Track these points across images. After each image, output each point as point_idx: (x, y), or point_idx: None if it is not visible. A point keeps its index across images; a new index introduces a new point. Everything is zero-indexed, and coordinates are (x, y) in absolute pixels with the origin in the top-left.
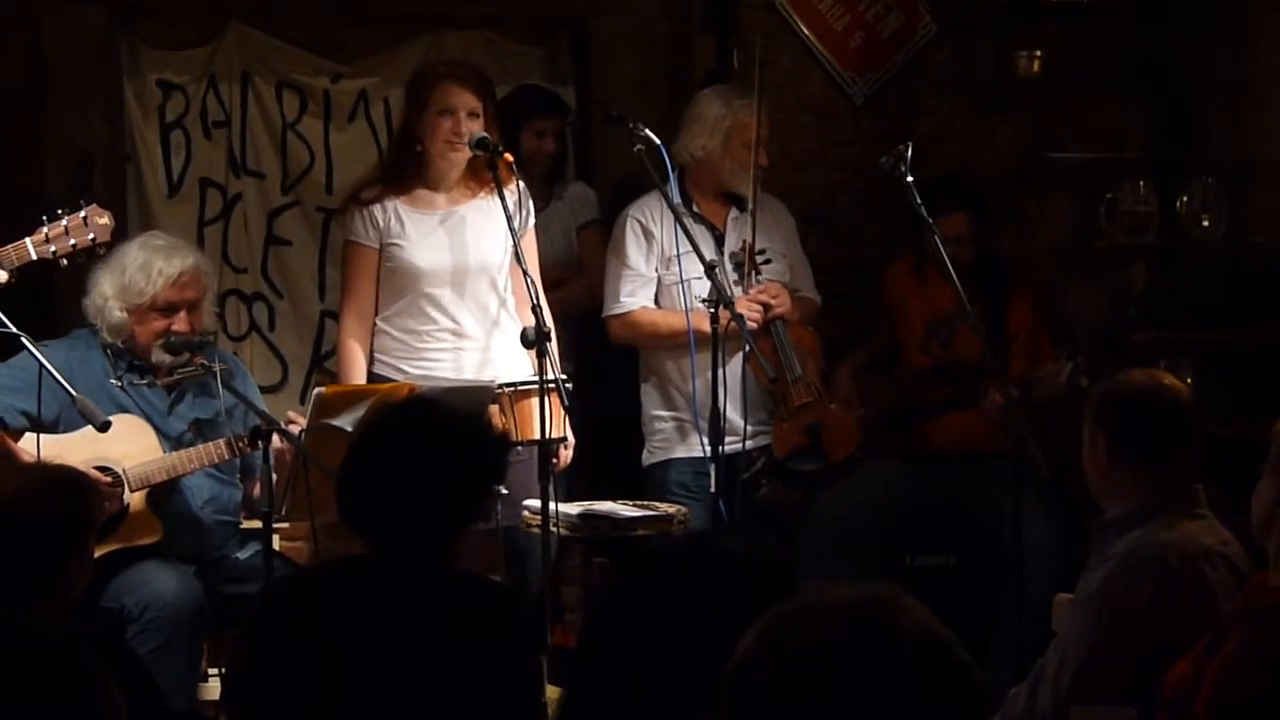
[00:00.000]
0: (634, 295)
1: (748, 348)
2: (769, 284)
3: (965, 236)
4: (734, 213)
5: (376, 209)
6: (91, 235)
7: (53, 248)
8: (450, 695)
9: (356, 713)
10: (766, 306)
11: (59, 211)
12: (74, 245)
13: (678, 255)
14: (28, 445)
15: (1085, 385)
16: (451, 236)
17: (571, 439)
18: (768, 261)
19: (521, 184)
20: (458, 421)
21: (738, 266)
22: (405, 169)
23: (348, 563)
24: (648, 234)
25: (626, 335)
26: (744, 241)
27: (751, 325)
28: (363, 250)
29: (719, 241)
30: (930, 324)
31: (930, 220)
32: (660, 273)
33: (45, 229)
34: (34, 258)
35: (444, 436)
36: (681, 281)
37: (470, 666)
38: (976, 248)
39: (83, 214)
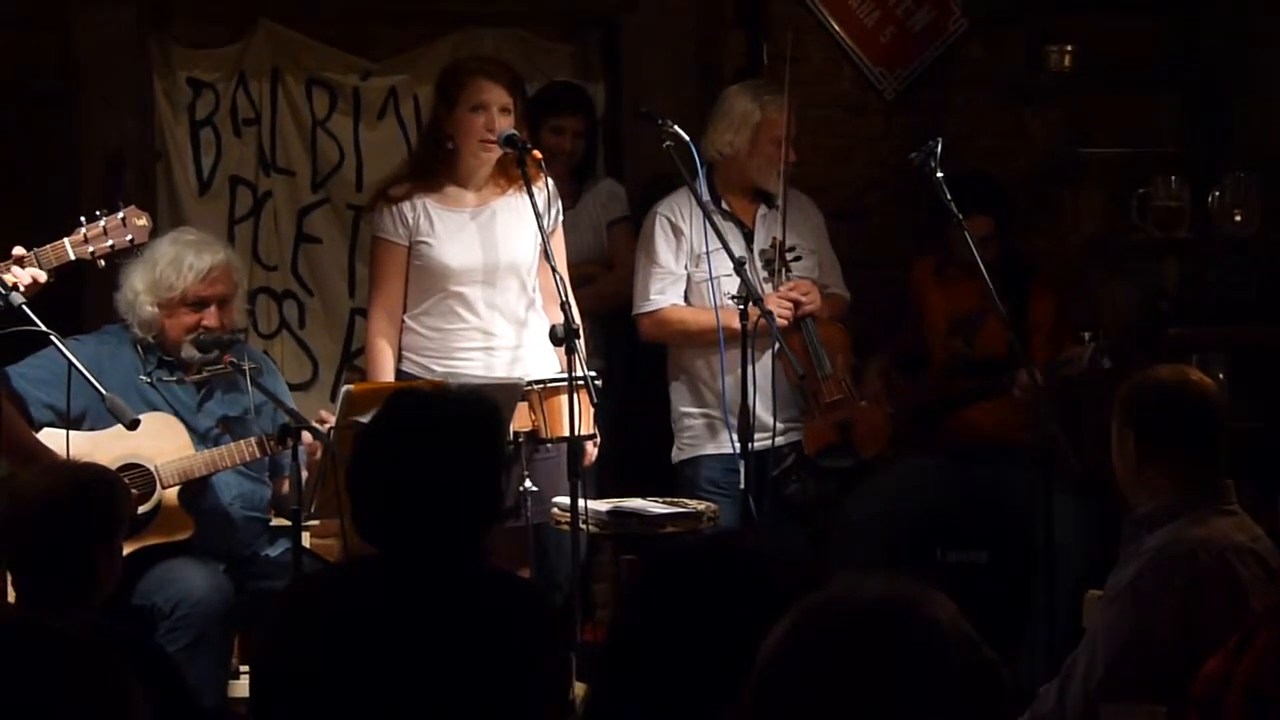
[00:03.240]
0: (664, 293)
1: (777, 345)
2: (799, 281)
3: (987, 239)
4: (763, 209)
5: (406, 206)
6: (129, 236)
7: (91, 248)
8: (478, 692)
9: (384, 710)
10: (797, 304)
11: (97, 213)
12: (112, 246)
13: (707, 252)
14: (57, 441)
15: (1107, 366)
16: (482, 234)
17: (597, 435)
18: (798, 258)
19: (550, 181)
20: (445, 417)
21: (767, 264)
22: (435, 166)
23: (375, 560)
24: (677, 231)
25: (656, 333)
26: (774, 238)
27: (782, 323)
28: (392, 247)
29: (748, 238)
30: (954, 320)
31: (960, 216)
32: (690, 270)
33: (84, 230)
34: (72, 258)
35: (432, 434)
36: (711, 279)
37: (498, 664)
38: (999, 247)
39: (121, 215)
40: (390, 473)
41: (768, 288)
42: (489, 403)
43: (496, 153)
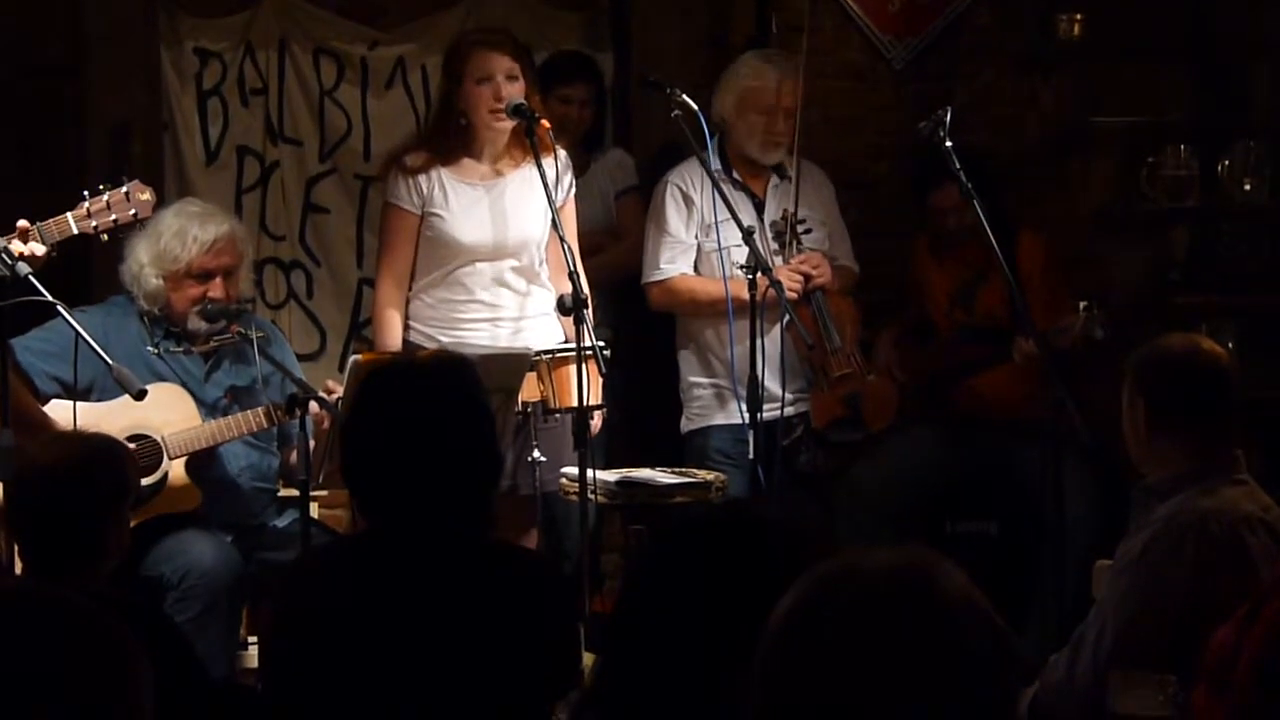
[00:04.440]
0: (673, 262)
1: (787, 317)
2: (810, 254)
3: (960, 206)
4: (774, 180)
5: (422, 177)
6: (133, 210)
7: (94, 222)
8: (487, 664)
9: (393, 682)
10: (807, 276)
11: (101, 186)
12: (115, 220)
13: (716, 222)
14: (64, 412)
15: (1099, 337)
16: (494, 208)
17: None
18: (808, 231)
19: (563, 151)
20: (412, 385)
21: (778, 235)
22: (450, 141)
23: (382, 533)
24: (688, 200)
25: (666, 302)
26: (784, 210)
27: (792, 295)
28: (404, 214)
29: (759, 209)
30: (953, 294)
31: (969, 185)
32: (699, 240)
33: (87, 203)
34: (75, 232)
35: (403, 404)
36: (720, 249)
37: (506, 635)
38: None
39: (124, 189)
40: (372, 452)
41: (778, 260)
42: (457, 362)
43: (509, 123)
